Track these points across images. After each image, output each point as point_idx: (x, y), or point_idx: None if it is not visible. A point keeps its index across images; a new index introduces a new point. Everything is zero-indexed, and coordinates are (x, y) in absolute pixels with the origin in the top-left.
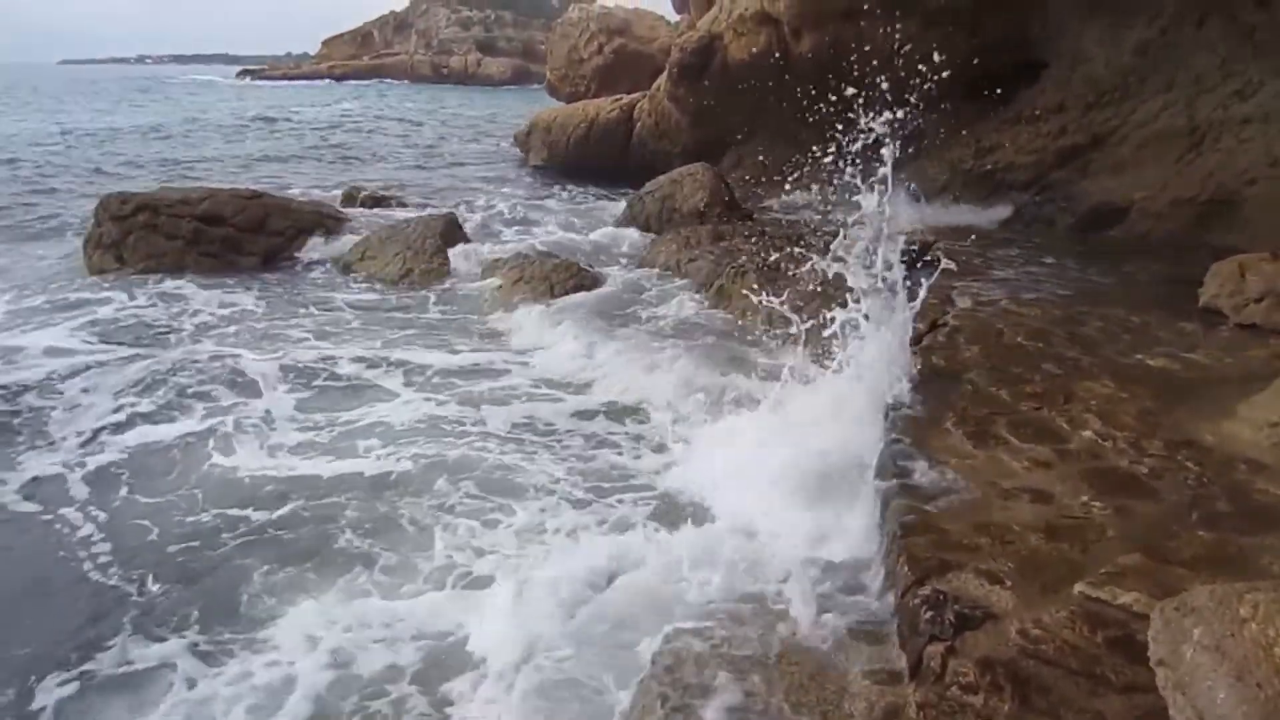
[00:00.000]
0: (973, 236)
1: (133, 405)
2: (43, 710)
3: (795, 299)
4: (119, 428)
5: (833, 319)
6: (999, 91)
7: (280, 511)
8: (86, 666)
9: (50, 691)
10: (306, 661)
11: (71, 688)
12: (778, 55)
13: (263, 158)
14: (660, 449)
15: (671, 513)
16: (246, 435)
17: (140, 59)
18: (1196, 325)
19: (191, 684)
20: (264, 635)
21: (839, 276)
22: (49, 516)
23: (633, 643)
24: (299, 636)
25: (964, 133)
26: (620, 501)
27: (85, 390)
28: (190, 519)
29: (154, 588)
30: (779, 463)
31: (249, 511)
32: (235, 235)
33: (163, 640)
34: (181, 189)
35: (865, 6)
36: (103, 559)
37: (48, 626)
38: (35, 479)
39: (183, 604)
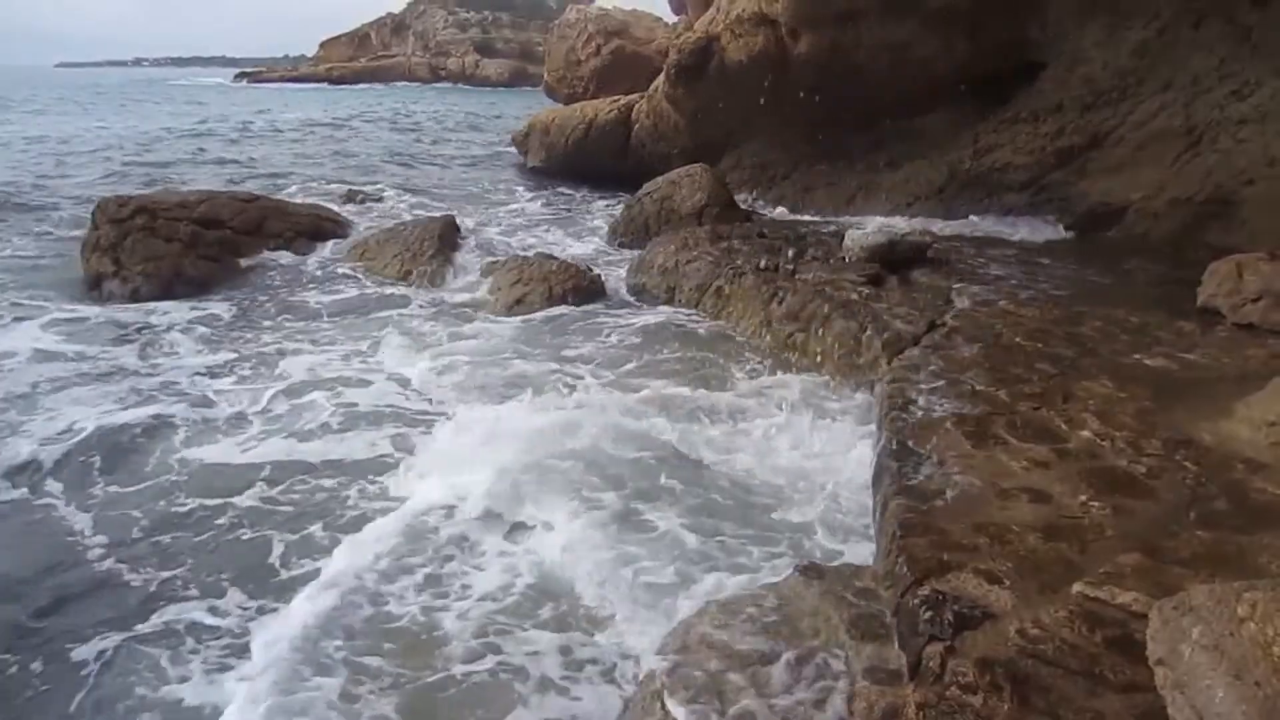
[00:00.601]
0: (972, 236)
1: (118, 403)
2: (91, 664)
3: (792, 306)
4: (103, 425)
5: None
6: (997, 92)
7: (275, 490)
8: (127, 628)
9: (92, 649)
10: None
11: (113, 641)
12: (775, 56)
13: (261, 160)
14: None
15: None
16: (226, 428)
17: (137, 62)
18: (1194, 325)
19: (240, 634)
20: (301, 590)
21: (835, 280)
22: (43, 503)
23: None
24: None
25: (963, 133)
26: None
27: (68, 389)
28: (187, 501)
29: (170, 563)
30: None
31: (252, 490)
32: (233, 238)
33: (199, 601)
34: (179, 192)
35: (863, 8)
36: (108, 541)
37: (76, 599)
38: (17, 468)
39: (209, 571)
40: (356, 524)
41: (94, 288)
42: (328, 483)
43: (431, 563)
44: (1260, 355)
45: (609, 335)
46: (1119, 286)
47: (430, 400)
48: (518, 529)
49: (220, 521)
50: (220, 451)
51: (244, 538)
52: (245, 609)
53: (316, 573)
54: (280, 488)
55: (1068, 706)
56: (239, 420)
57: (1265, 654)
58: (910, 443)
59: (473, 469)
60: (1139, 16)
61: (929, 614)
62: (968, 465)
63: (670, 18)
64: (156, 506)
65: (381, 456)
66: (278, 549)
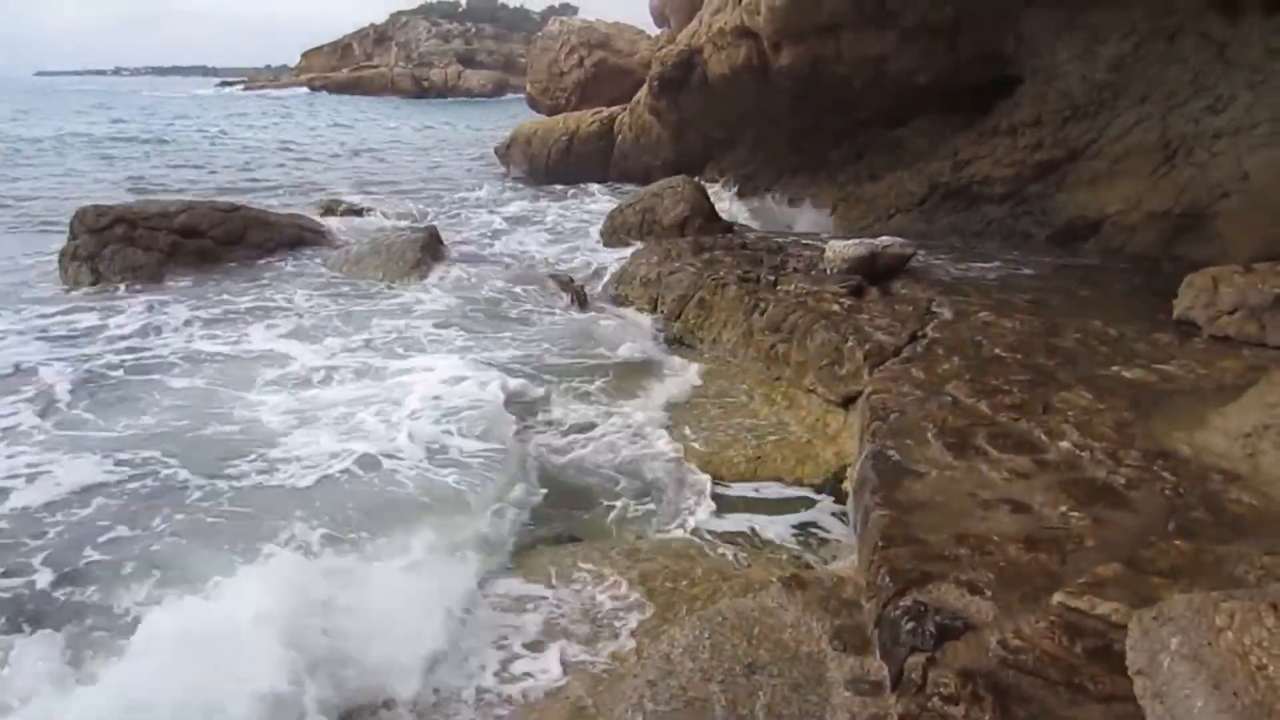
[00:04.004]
0: (953, 248)
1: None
2: None
3: (774, 317)
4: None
5: None
6: (977, 105)
7: None
8: None
9: None
10: None
11: None
12: (757, 69)
13: (242, 170)
14: None
15: None
16: None
17: (117, 71)
18: (1171, 337)
19: None
20: None
21: (817, 292)
22: None
23: None
24: None
25: (942, 146)
26: None
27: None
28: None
29: None
30: None
31: None
32: (213, 248)
33: None
34: (159, 201)
35: (844, 21)
36: None
37: None
38: None
39: None
40: None
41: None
42: None
43: None
44: (1236, 367)
45: None
46: (1097, 299)
47: None
48: None
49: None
50: None
51: None
52: None
53: None
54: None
55: (1048, 717)
56: None
57: (1243, 663)
58: (892, 454)
59: None
60: (1114, 31)
61: (911, 625)
62: (949, 476)
63: (653, 30)
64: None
65: None
66: None
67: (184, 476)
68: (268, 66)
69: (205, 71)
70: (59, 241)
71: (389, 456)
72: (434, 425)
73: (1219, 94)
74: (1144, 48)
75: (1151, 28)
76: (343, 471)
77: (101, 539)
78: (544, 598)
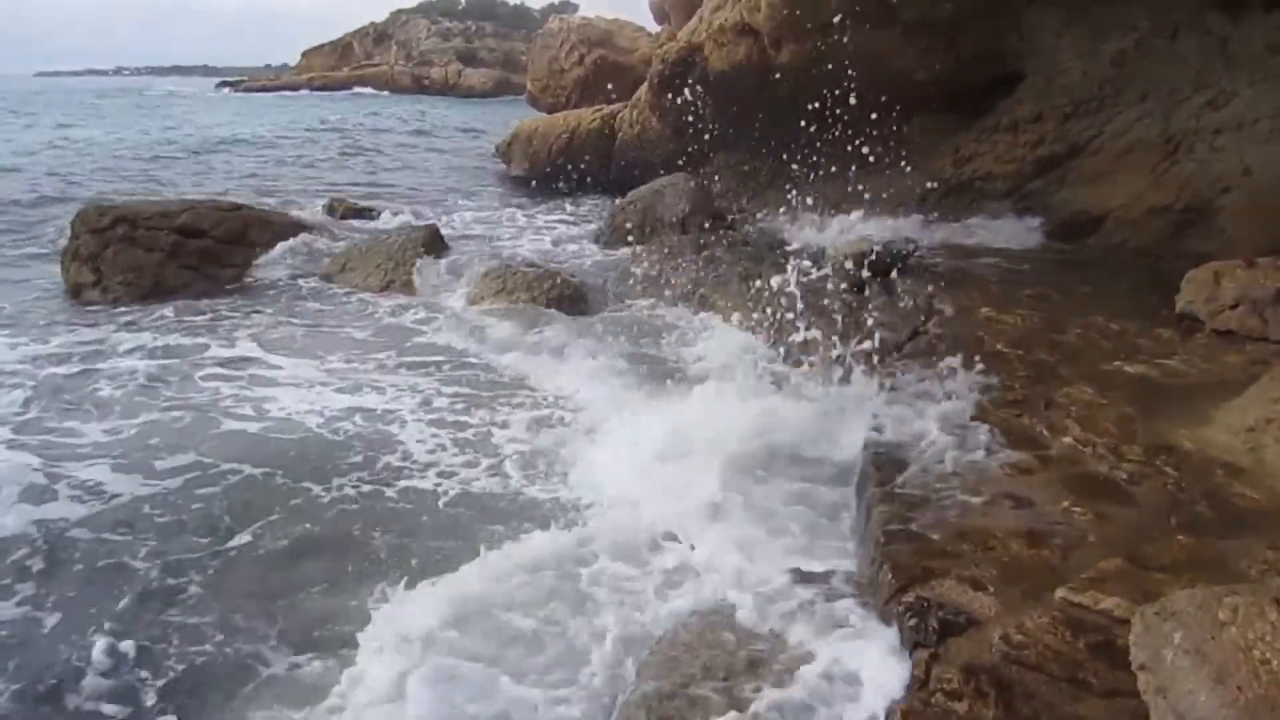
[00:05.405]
0: (954, 245)
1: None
2: None
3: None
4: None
5: None
6: (978, 102)
7: None
8: None
9: None
10: None
11: None
12: (757, 66)
13: (243, 170)
14: None
15: None
16: None
17: (118, 70)
18: (1173, 332)
19: None
20: None
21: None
22: None
23: None
24: None
25: (943, 143)
26: None
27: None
28: None
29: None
30: None
31: None
32: (215, 247)
33: None
34: (160, 201)
35: (845, 19)
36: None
37: None
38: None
39: None
40: None
41: (74, 297)
42: None
43: None
44: (1238, 362)
45: None
46: (1099, 294)
47: None
48: None
49: None
50: None
51: None
52: None
53: None
54: None
55: (1051, 712)
56: None
57: (1246, 658)
58: (893, 450)
59: None
60: (1116, 28)
61: (914, 621)
62: (950, 472)
63: (653, 27)
64: None
65: None
66: None
67: None
68: (268, 66)
69: (206, 71)
70: None
71: None
72: None
73: (1220, 90)
74: (1145, 44)
75: (1153, 24)
76: None
77: None
78: None
